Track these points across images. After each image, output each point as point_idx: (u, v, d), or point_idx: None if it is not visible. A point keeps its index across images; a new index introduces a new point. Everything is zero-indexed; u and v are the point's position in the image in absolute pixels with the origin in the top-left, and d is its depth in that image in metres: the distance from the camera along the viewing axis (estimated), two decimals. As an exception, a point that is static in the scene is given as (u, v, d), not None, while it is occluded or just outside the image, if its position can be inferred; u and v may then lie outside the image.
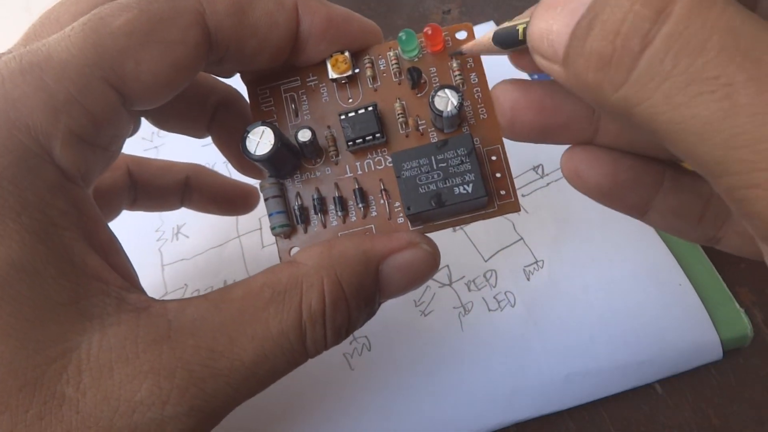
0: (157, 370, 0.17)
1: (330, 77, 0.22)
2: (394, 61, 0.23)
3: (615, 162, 0.20)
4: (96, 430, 0.16)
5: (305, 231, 0.22)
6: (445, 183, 0.20)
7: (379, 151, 0.22)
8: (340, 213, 0.22)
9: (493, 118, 0.22)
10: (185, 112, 0.26)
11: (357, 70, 0.23)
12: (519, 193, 0.35)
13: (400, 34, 0.22)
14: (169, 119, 0.26)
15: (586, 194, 0.21)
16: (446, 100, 0.21)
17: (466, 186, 0.20)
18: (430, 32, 0.22)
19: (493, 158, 0.22)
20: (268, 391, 0.25)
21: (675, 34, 0.13)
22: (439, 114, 0.20)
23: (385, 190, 0.22)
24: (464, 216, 0.21)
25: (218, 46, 0.20)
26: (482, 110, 0.22)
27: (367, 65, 0.23)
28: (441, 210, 0.20)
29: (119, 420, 0.16)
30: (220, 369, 0.17)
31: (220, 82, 0.27)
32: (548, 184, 0.37)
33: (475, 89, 0.22)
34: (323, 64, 0.23)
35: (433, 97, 0.21)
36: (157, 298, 0.19)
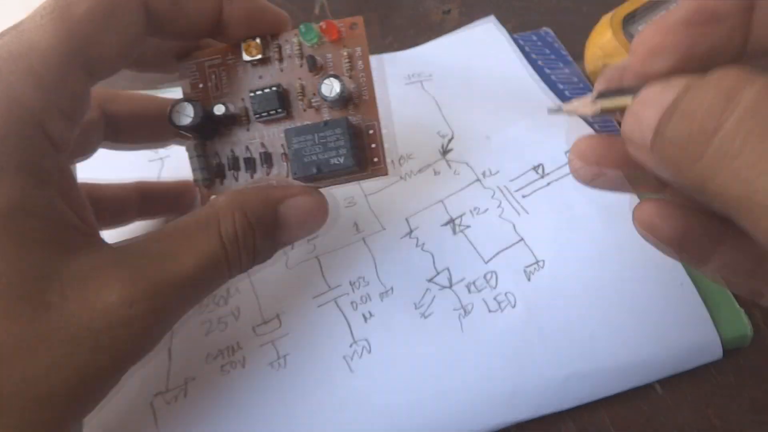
0: (123, 280, 0.22)
1: (243, 59, 0.28)
2: (297, 48, 0.28)
3: (686, 217, 0.21)
4: (77, 326, 0.21)
5: (221, 183, 0.28)
6: (324, 155, 0.26)
7: (282, 122, 0.28)
8: (248, 170, 0.28)
9: (371, 99, 0.28)
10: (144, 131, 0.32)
11: (268, 54, 0.28)
12: (520, 193, 0.37)
13: (300, 27, 0.27)
14: (129, 140, 0.32)
15: (656, 246, 0.22)
16: (330, 87, 0.26)
17: (339, 158, 0.26)
18: (324, 27, 0.27)
19: (370, 132, 0.28)
20: (266, 393, 0.29)
21: (745, 120, 0.15)
22: (324, 98, 0.26)
23: (285, 153, 0.28)
24: (343, 177, 0.28)
25: (155, 26, 0.25)
26: (365, 92, 0.28)
27: (275, 49, 0.28)
28: (322, 174, 0.26)
29: (97, 318, 0.21)
30: (171, 278, 0.23)
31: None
32: (549, 183, 0.37)
33: (360, 74, 0.28)
34: (239, 47, 0.28)
35: (320, 84, 0.26)
36: None
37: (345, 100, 0.28)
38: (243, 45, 0.28)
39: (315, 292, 0.32)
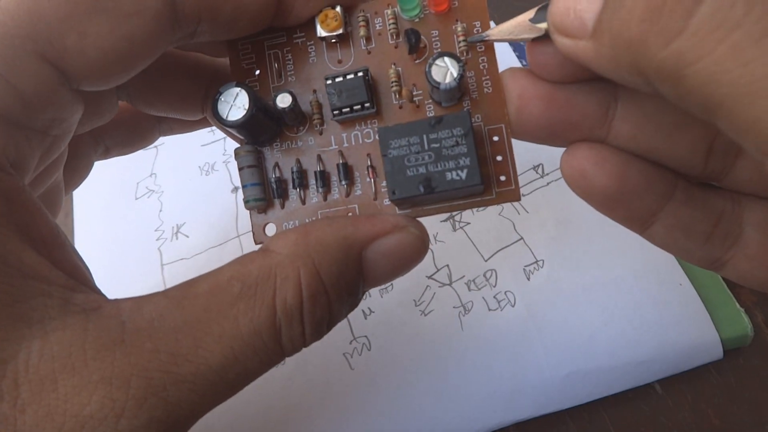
0: (108, 379, 0.15)
1: (318, 35, 0.20)
2: (391, 21, 0.20)
3: (625, 164, 0.18)
4: None
5: (282, 206, 0.20)
6: (437, 166, 0.18)
7: (368, 122, 0.20)
8: (321, 189, 0.20)
9: (498, 92, 0.19)
10: (175, 90, 0.24)
11: (350, 29, 0.20)
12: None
13: (399, -9, 0.19)
14: (157, 100, 0.23)
15: (587, 199, 0.18)
16: (445, 70, 0.18)
17: (459, 171, 0.17)
18: (432, -10, 0.19)
19: (495, 139, 0.19)
20: (266, 392, 0.26)
21: None
22: (436, 86, 0.18)
23: (372, 167, 0.20)
24: (458, 202, 0.19)
25: (187, 18, 0.18)
26: (487, 83, 0.20)
27: (361, 23, 0.20)
28: (431, 196, 0.18)
29: None
30: (184, 374, 0.16)
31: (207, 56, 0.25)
32: (548, 183, 0.36)
33: (480, 58, 0.20)
34: (312, 21, 0.20)
35: (430, 65, 0.18)
36: None
37: (461, 93, 0.19)
38: (318, 16, 0.20)
39: None
